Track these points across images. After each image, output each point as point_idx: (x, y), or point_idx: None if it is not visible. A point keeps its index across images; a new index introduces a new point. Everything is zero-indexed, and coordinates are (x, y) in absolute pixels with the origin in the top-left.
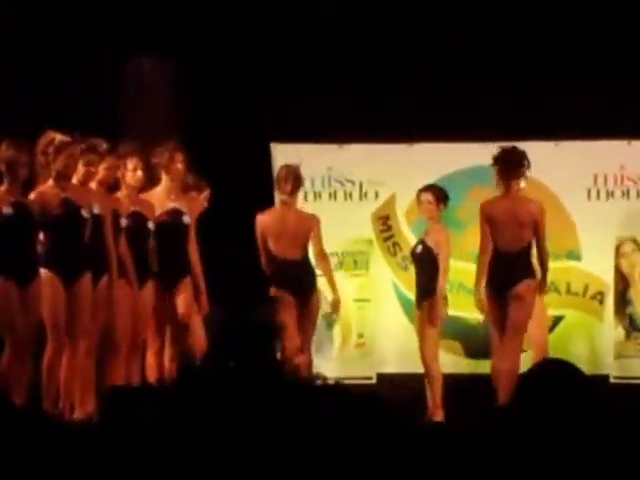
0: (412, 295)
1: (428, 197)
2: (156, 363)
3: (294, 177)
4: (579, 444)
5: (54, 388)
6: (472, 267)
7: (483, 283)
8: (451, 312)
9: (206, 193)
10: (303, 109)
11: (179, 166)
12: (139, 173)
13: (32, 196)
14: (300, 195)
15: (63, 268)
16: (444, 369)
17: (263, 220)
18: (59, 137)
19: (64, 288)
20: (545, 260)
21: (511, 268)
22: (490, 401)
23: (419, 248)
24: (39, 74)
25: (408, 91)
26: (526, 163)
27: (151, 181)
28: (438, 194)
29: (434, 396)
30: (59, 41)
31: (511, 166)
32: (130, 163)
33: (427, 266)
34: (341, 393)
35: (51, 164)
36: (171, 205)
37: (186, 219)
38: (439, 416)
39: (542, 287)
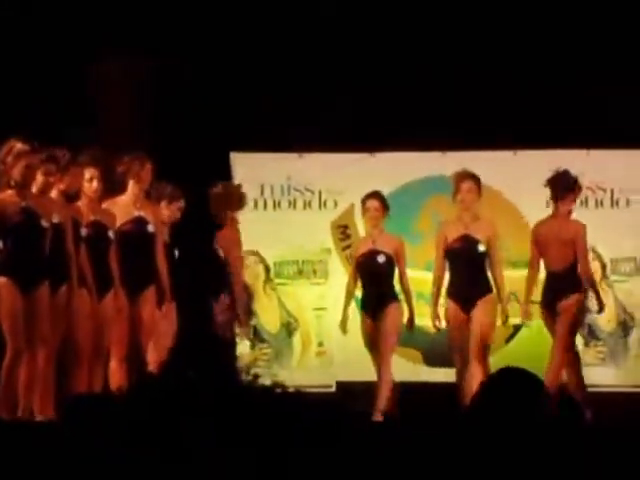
0: None
1: (374, 204)
2: (119, 371)
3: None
4: (537, 451)
5: (12, 393)
6: (430, 276)
7: (530, 297)
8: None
9: (180, 203)
10: (264, 119)
11: (148, 174)
12: (95, 183)
13: None
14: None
15: (21, 276)
16: (403, 377)
17: None
18: (18, 145)
19: (21, 295)
20: (588, 276)
21: (558, 284)
22: (448, 409)
23: (380, 258)
24: (2, 82)
25: (368, 101)
26: (577, 188)
27: (114, 190)
28: (383, 201)
29: (381, 400)
30: (23, 48)
31: (562, 189)
32: (87, 173)
33: (383, 276)
34: (300, 401)
35: (9, 172)
36: (136, 214)
37: (150, 228)
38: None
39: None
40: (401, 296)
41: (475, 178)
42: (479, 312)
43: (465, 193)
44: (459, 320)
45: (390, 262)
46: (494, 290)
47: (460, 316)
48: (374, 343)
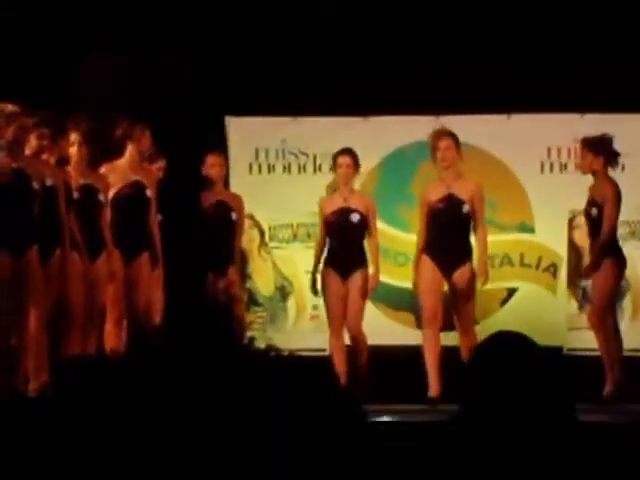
0: None
1: (346, 160)
2: (115, 332)
3: None
4: (533, 413)
5: (5, 359)
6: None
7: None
8: (403, 284)
9: (161, 163)
10: (258, 82)
11: (146, 138)
12: (77, 147)
13: None
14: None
15: (11, 239)
16: (396, 341)
17: None
18: (10, 107)
19: (11, 259)
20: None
21: None
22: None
23: (354, 217)
24: None
25: (362, 64)
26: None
27: (111, 153)
28: (355, 157)
29: (361, 369)
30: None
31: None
32: (72, 137)
33: (356, 234)
34: (295, 364)
35: (1, 134)
36: (133, 178)
37: (149, 192)
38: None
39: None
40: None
41: (452, 135)
42: (461, 277)
43: (444, 151)
44: (435, 281)
45: (363, 221)
46: (475, 254)
47: (437, 277)
48: (343, 303)
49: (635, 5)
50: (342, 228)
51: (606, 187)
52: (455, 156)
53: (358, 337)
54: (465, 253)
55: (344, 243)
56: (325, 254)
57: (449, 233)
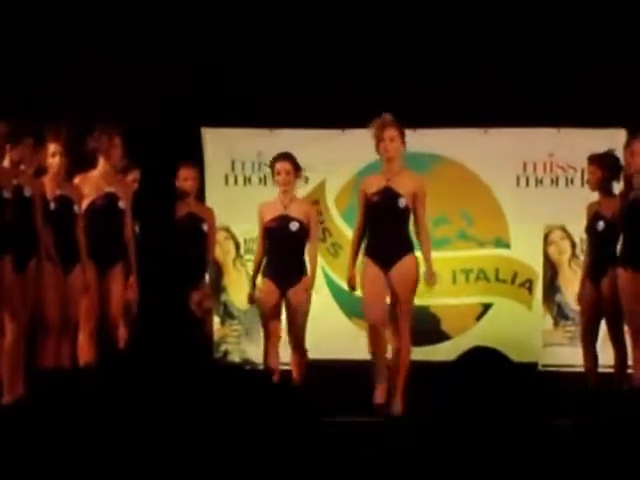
0: (342, 281)
1: (285, 166)
2: (88, 345)
3: None
4: (507, 429)
5: None
6: None
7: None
8: None
9: (135, 174)
10: (235, 94)
11: (117, 150)
12: (58, 158)
13: None
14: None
15: None
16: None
17: None
18: None
19: None
20: None
21: None
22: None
23: (293, 225)
24: None
25: (340, 77)
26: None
27: (86, 164)
28: (295, 163)
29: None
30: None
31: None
32: (51, 147)
33: (295, 243)
34: (269, 378)
35: None
36: (107, 189)
37: (122, 204)
38: None
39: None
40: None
41: (398, 126)
42: (398, 273)
43: (388, 142)
44: (378, 282)
45: (303, 230)
46: (421, 254)
47: (379, 277)
48: (279, 315)
49: (609, 23)
50: (281, 237)
51: (615, 202)
52: (399, 148)
53: (301, 352)
54: (403, 250)
55: (282, 253)
56: (264, 263)
57: (385, 228)
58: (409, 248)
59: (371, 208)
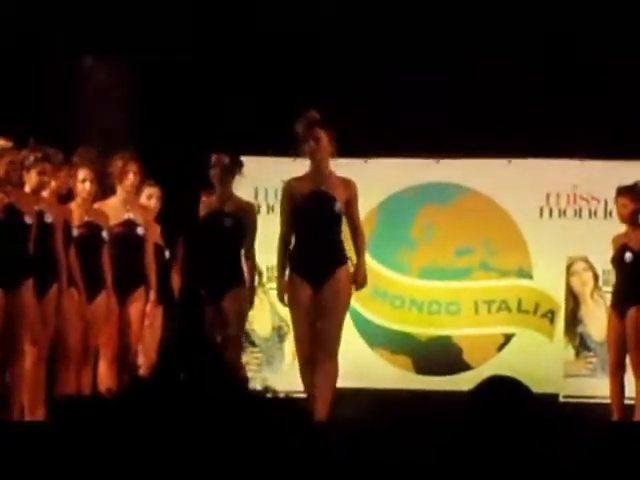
0: (363, 310)
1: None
2: (109, 372)
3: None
4: (526, 460)
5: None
6: (421, 283)
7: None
8: (401, 328)
9: (154, 191)
10: (258, 122)
11: (131, 176)
12: (88, 184)
13: None
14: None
15: (3, 274)
16: (393, 385)
17: None
18: (0, 142)
19: (4, 293)
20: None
21: None
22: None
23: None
24: None
25: (363, 106)
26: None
27: (107, 191)
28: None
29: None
30: (13, 46)
31: None
32: (81, 173)
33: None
34: (290, 406)
35: None
36: (126, 216)
37: (140, 230)
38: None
39: None
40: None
41: (328, 127)
42: (331, 291)
43: (313, 142)
44: (307, 299)
45: (239, 228)
46: (355, 259)
47: (307, 293)
48: (215, 329)
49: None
50: (215, 234)
51: None
52: (327, 149)
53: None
54: (336, 263)
55: (216, 253)
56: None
57: (316, 235)
58: (342, 259)
59: (300, 213)
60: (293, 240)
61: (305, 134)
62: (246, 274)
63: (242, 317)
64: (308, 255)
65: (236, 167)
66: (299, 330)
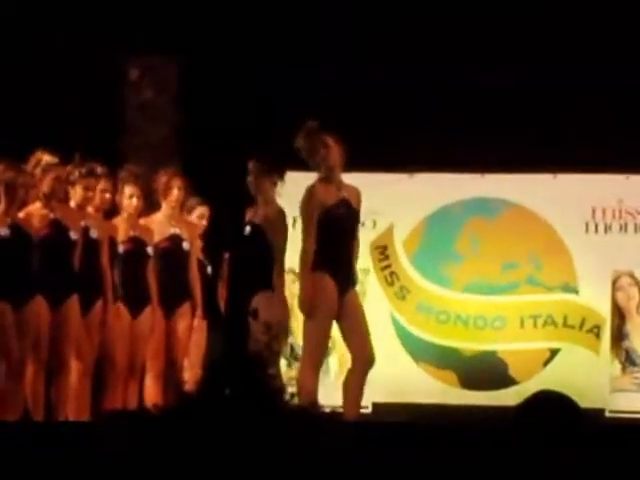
0: (408, 324)
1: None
2: (155, 388)
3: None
4: (573, 475)
5: (39, 408)
6: (467, 297)
7: None
8: (447, 343)
9: (203, 211)
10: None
11: (175, 192)
12: (135, 200)
13: (20, 215)
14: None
15: (49, 289)
16: (438, 400)
17: None
18: (46, 158)
19: (50, 308)
20: None
21: None
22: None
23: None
24: (38, 93)
25: (409, 121)
26: None
27: (152, 206)
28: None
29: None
30: (57, 60)
31: None
32: (128, 190)
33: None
34: (336, 421)
35: (38, 185)
36: (171, 231)
37: (186, 245)
38: None
39: None
40: None
41: (331, 133)
42: (354, 299)
43: (324, 150)
44: (334, 302)
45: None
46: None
47: (335, 297)
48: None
49: None
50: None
51: None
52: (340, 154)
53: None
54: (355, 270)
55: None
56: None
57: (346, 243)
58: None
59: (332, 222)
60: (316, 246)
61: (312, 145)
62: (279, 284)
63: (283, 329)
64: (340, 260)
65: (271, 174)
66: (323, 334)
